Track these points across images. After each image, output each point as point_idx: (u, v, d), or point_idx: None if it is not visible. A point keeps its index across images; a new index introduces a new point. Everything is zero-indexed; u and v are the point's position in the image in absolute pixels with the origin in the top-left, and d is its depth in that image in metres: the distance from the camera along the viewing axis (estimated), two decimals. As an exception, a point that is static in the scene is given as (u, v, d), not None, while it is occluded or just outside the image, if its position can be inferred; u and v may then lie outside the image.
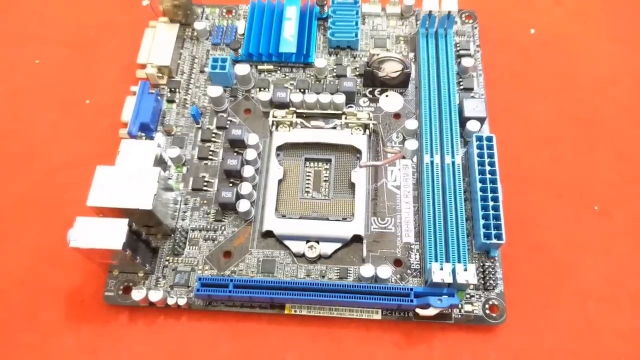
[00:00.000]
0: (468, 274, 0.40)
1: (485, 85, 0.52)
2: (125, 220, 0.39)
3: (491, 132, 0.50)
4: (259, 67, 0.54)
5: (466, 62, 0.52)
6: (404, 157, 0.48)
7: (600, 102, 0.53)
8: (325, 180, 0.48)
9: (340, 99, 0.50)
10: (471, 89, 0.52)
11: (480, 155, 0.46)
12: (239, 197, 0.46)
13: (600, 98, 0.53)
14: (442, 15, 0.52)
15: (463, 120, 0.49)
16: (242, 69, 0.51)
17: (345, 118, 0.50)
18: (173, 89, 0.53)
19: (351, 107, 0.51)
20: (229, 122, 0.51)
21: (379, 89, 0.52)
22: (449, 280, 0.40)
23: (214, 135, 0.50)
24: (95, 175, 0.42)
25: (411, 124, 0.49)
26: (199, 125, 0.51)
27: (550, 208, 0.48)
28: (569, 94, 0.54)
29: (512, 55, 0.56)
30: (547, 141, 0.51)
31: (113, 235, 0.39)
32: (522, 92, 0.54)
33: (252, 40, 0.53)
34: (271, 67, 0.54)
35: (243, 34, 0.55)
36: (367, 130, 0.49)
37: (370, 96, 0.52)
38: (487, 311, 0.43)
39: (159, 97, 0.52)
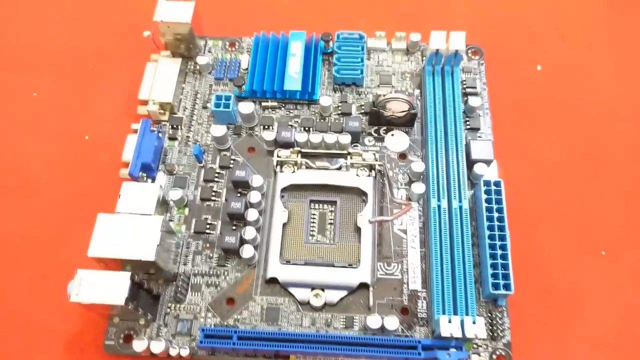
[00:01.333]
0: (477, 328, 0.40)
1: (492, 124, 0.52)
2: (128, 274, 0.38)
3: (498, 173, 0.49)
4: (263, 103, 0.53)
5: (473, 101, 0.51)
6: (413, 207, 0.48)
7: (607, 138, 0.53)
8: (331, 223, 0.48)
9: (345, 139, 0.49)
10: (478, 129, 0.51)
11: (489, 202, 0.45)
12: (242, 241, 0.45)
13: (607, 134, 0.53)
14: (449, 53, 0.51)
15: (470, 163, 0.48)
16: (246, 108, 0.50)
17: (351, 158, 0.49)
18: (175, 126, 0.52)
19: (356, 146, 0.51)
20: (232, 162, 0.50)
21: (385, 128, 0.52)
22: (458, 334, 0.39)
23: (217, 175, 0.49)
24: (96, 224, 0.41)
25: (418, 166, 0.48)
26: (202, 165, 0.50)
27: (557, 252, 0.48)
28: (576, 131, 0.53)
29: (519, 91, 0.55)
30: (554, 181, 0.51)
31: (115, 289, 0.38)
32: (529, 130, 0.53)
33: (257, 76, 0.52)
34: (275, 104, 0.53)
35: (246, 69, 0.55)
36: (373, 171, 0.49)
37: (376, 135, 0.51)
38: (495, 362, 0.42)
39: (160, 135, 0.51)
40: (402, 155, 0.50)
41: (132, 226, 0.41)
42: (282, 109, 0.53)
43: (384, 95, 0.49)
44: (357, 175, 0.48)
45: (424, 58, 0.55)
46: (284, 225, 0.46)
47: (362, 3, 0.63)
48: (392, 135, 0.51)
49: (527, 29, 0.59)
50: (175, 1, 0.52)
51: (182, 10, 0.52)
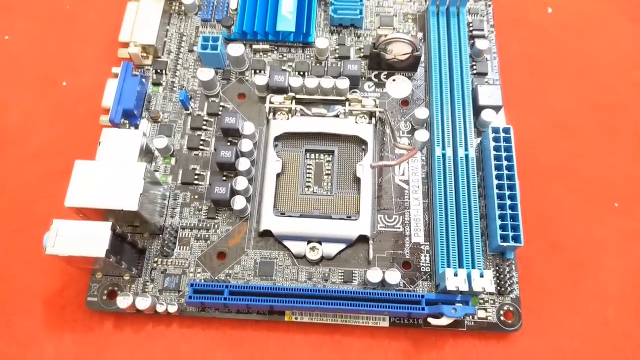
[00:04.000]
0: (485, 281, 0.37)
1: (500, 69, 0.48)
2: (108, 224, 0.35)
3: (507, 121, 0.46)
4: (254, 46, 0.49)
5: (480, 44, 0.47)
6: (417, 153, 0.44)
7: (622, 87, 0.50)
8: (328, 174, 0.44)
9: (343, 83, 0.45)
10: (485, 74, 0.48)
11: (497, 149, 0.42)
12: (233, 192, 0.42)
13: (623, 83, 0.50)
14: (455, -9, 0.47)
15: (477, 109, 0.45)
16: (236, 50, 0.46)
17: (349, 105, 0.46)
18: (159, 70, 0.48)
19: (355, 92, 0.47)
20: (221, 109, 0.46)
21: (386, 73, 0.48)
22: (465, 288, 0.37)
23: (205, 122, 0.46)
24: (73, 171, 0.38)
25: (421, 112, 0.45)
26: (189, 112, 0.46)
27: (568, 205, 0.45)
28: (588, 79, 0.50)
29: (528, 36, 0.52)
30: (565, 131, 0.48)
31: (95, 240, 0.35)
32: (539, 77, 0.50)
33: (247, 17, 0.48)
34: (267, 46, 0.49)
35: (236, 9, 0.50)
36: (373, 119, 0.45)
37: (376, 80, 0.48)
38: (502, 317, 0.40)
39: (143, 80, 0.47)
40: (405, 102, 0.47)
41: (112, 174, 0.38)
42: (275, 52, 0.49)
43: (385, 36, 0.46)
44: (356, 122, 0.45)
45: (427, -2, 0.51)
46: (278, 175, 0.43)
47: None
48: (394, 80, 0.48)
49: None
50: None
51: (164, -57, 0.47)
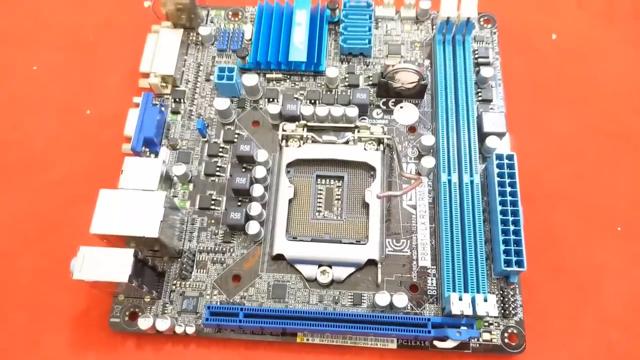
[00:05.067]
0: (488, 305, 0.38)
1: (505, 96, 0.50)
2: (131, 251, 0.38)
3: (511, 146, 0.48)
4: (268, 75, 0.51)
5: (485, 72, 0.49)
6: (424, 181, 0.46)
7: (625, 113, 0.51)
8: (338, 199, 0.46)
9: (353, 112, 0.47)
10: (490, 101, 0.49)
11: (501, 176, 0.44)
12: (248, 218, 0.44)
13: (626, 109, 0.51)
14: (460, 21, 0.49)
15: (482, 135, 0.47)
16: (250, 80, 0.48)
17: (358, 131, 0.48)
18: (177, 99, 0.50)
19: (364, 119, 0.49)
20: (236, 136, 0.49)
21: (394, 100, 0.50)
22: (469, 312, 0.38)
23: (221, 149, 0.48)
24: (98, 200, 0.40)
25: (428, 139, 0.46)
26: (206, 139, 0.49)
27: (571, 229, 0.46)
28: (592, 105, 0.51)
29: (533, 62, 0.53)
30: (568, 156, 0.49)
31: (118, 266, 0.37)
32: (543, 103, 0.51)
33: (260, 47, 0.50)
34: (280, 75, 0.51)
35: (250, 40, 0.53)
36: (381, 145, 0.47)
37: (384, 108, 0.50)
38: (506, 340, 0.41)
39: (162, 109, 0.49)
40: (412, 129, 0.49)
41: (135, 202, 0.40)
42: (287, 80, 0.51)
43: (393, 66, 0.47)
44: (364, 149, 0.47)
45: (434, 27, 0.53)
46: (290, 201, 0.45)
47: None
48: (401, 107, 0.50)
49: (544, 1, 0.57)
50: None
51: (182, -21, 0.50)
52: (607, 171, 0.48)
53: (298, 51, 0.50)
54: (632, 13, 0.56)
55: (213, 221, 0.45)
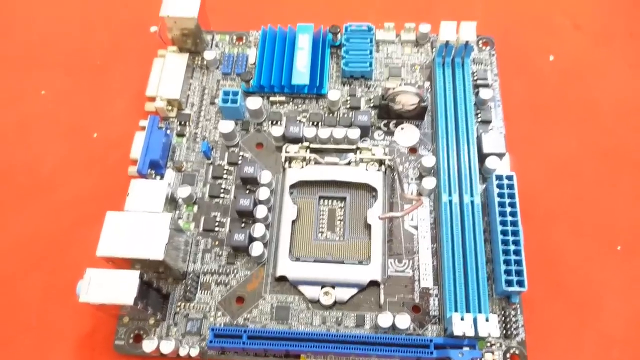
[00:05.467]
0: (490, 326, 0.39)
1: (504, 117, 0.51)
2: (137, 273, 0.38)
3: (511, 166, 0.48)
4: (271, 98, 0.52)
5: (484, 93, 0.50)
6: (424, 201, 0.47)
7: (623, 131, 0.52)
8: (340, 220, 0.47)
9: (354, 133, 0.48)
10: (489, 122, 0.50)
11: (501, 196, 0.44)
12: (251, 239, 0.45)
13: (624, 127, 0.52)
14: (459, 44, 0.50)
15: (482, 156, 0.47)
16: (254, 103, 0.50)
17: (360, 153, 0.48)
18: (183, 122, 0.51)
19: (365, 140, 0.50)
20: (240, 158, 0.49)
21: (395, 121, 0.51)
22: (471, 333, 0.39)
23: (225, 171, 0.49)
24: (104, 223, 0.41)
25: (428, 160, 0.47)
26: (210, 161, 0.50)
27: (572, 248, 0.47)
28: (590, 124, 0.52)
29: (531, 83, 0.54)
30: (568, 176, 0.50)
31: (124, 288, 0.38)
32: (542, 123, 0.52)
33: (264, 71, 0.52)
34: (283, 98, 0.52)
35: (254, 63, 0.54)
36: (383, 166, 0.48)
37: (385, 129, 0.50)
38: (509, 360, 0.42)
39: (168, 132, 0.50)
40: (413, 149, 0.50)
41: (140, 224, 0.41)
42: (290, 103, 0.52)
43: (393, 89, 0.48)
44: (366, 170, 0.48)
45: (433, 49, 0.54)
46: (293, 222, 0.46)
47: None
48: (402, 129, 0.51)
49: (539, 18, 0.58)
50: (181, -5, 0.52)
51: (188, 5, 0.51)
52: (606, 190, 0.49)
53: (301, 75, 0.51)
54: (628, 33, 0.57)
55: (217, 243, 0.46)
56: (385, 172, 0.48)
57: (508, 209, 0.44)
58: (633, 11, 0.58)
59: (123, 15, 0.60)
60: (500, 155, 0.47)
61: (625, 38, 0.57)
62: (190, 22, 0.51)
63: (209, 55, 0.53)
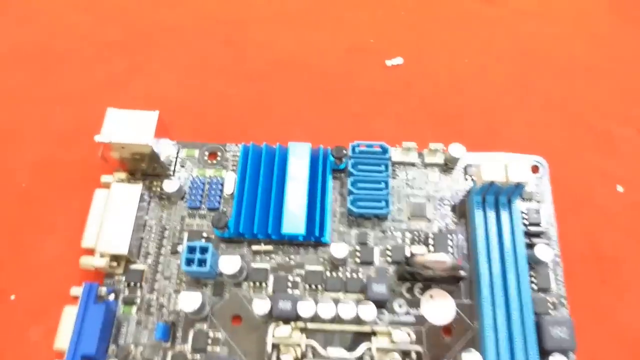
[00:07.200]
0: None
1: (565, 278, 0.38)
2: None
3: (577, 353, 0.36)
4: (254, 247, 0.39)
5: (542, 252, 0.37)
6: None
7: None
8: None
9: (369, 312, 0.35)
10: (547, 289, 0.38)
11: None
12: None
13: None
14: (508, 184, 0.37)
15: (543, 351, 0.34)
16: (230, 265, 0.36)
17: (376, 338, 0.35)
18: (133, 283, 0.38)
19: (382, 313, 0.37)
20: (210, 342, 0.36)
21: (421, 285, 0.38)
22: None
23: (189, 363, 0.35)
24: None
25: (473, 358, 0.34)
26: (168, 345, 0.36)
27: None
28: (674, 284, 0.40)
29: (595, 224, 0.41)
30: (649, 362, 0.37)
31: None
32: (611, 284, 0.40)
33: (244, 216, 0.38)
34: (270, 247, 0.39)
35: (232, 194, 0.40)
36: (408, 359, 0.35)
37: (409, 296, 0.37)
38: None
39: (110, 297, 0.37)
40: (447, 330, 0.37)
41: None
42: (280, 253, 0.39)
43: (422, 256, 0.35)
44: (386, 367, 0.35)
45: (468, 176, 0.41)
46: None
47: (380, 107, 0.47)
48: (431, 296, 0.38)
49: (600, 139, 0.45)
50: (132, 110, 0.38)
51: (140, 124, 0.37)
52: None
53: (293, 218, 0.38)
54: None
55: None
56: (411, 367, 0.35)
57: None
58: None
59: (57, 121, 0.46)
60: (567, 352, 0.35)
61: None
62: (143, 148, 0.38)
63: (169, 186, 0.40)
